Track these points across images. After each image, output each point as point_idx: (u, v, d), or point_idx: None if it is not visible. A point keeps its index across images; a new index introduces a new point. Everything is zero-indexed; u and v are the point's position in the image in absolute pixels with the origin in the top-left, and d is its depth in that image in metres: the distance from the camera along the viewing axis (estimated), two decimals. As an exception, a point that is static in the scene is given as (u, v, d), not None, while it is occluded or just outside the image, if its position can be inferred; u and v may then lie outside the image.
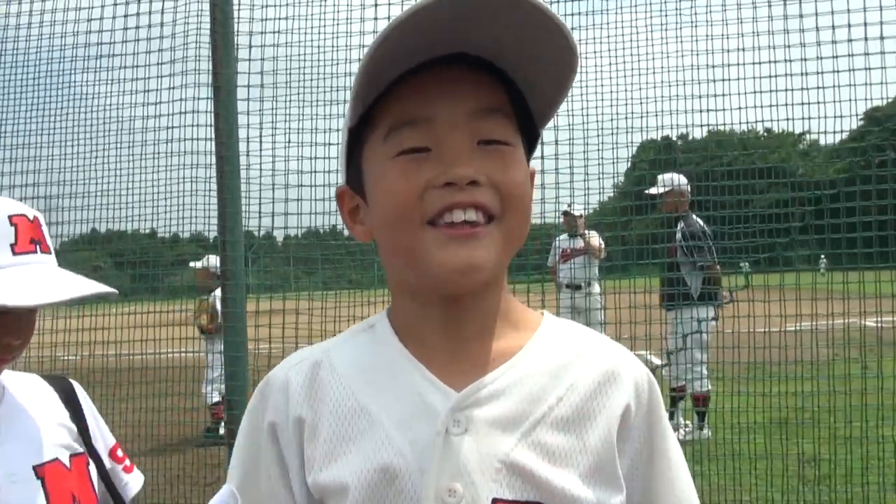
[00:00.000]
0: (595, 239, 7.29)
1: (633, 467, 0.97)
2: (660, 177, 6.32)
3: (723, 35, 4.44)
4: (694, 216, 6.23)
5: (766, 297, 4.44)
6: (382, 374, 0.96)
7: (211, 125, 3.75)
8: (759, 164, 5.31)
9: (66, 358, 4.91)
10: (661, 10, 4.62)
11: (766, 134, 6.15)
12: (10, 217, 1.36)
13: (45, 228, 1.43)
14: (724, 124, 4.64)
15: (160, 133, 4.40)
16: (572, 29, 4.32)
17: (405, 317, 1.00)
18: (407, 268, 0.96)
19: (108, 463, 1.61)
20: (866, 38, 4.09)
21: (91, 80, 4.64)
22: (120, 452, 1.67)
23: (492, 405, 0.90)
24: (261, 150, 4.48)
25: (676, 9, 4.57)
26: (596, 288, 7.34)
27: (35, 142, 4.75)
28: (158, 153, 4.41)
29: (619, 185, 6.76)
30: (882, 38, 4.10)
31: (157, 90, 4.37)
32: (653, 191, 6.19)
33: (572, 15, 4.53)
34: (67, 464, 1.47)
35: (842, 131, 4.40)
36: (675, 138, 5.98)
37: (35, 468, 1.40)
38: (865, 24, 4.10)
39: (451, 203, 0.89)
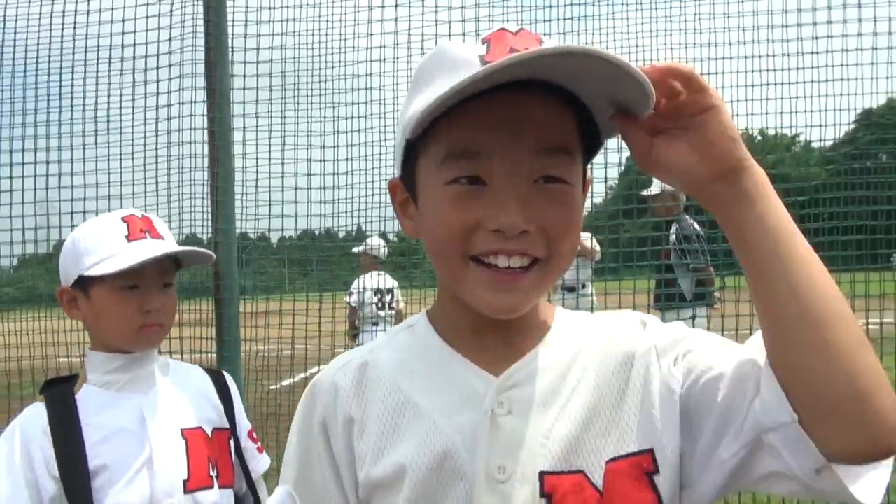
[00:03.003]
0: (588, 241, 7.30)
1: (683, 380, 0.96)
2: (655, 179, 6.34)
3: (712, 42, 4.46)
4: (688, 218, 6.24)
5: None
6: (425, 367, 1.01)
7: (205, 128, 3.75)
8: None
9: (71, 359, 4.90)
10: (651, 15, 4.63)
11: (759, 137, 6.17)
12: (121, 217, 1.76)
13: (157, 222, 1.81)
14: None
15: (155, 136, 4.39)
16: (562, 34, 4.31)
17: (448, 315, 1.04)
18: (451, 286, 1.00)
19: (244, 442, 1.93)
20: (860, 42, 4.13)
21: (85, 82, 4.64)
22: (255, 435, 1.99)
23: (529, 386, 0.95)
24: (257, 151, 4.49)
25: (666, 15, 4.59)
26: (589, 289, 7.36)
27: (29, 146, 4.74)
28: (157, 155, 4.41)
29: (613, 189, 6.78)
30: (875, 45, 4.14)
31: (155, 94, 4.37)
32: (644, 193, 6.21)
33: (564, 20, 4.54)
34: (209, 434, 1.81)
35: (830, 135, 4.42)
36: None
37: (182, 430, 1.76)
38: (860, 25, 4.14)
39: (497, 249, 0.91)
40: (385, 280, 6.91)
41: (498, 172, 0.90)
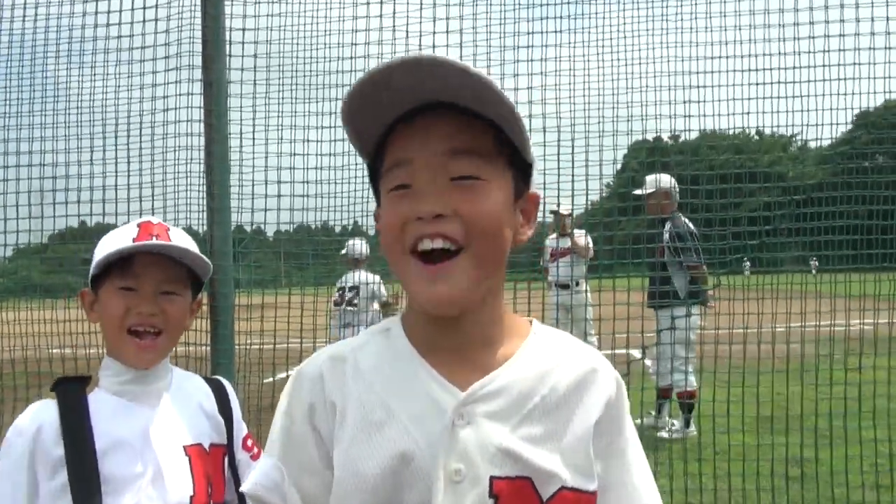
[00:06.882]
0: (582, 238, 7.32)
1: (597, 455, 1.14)
2: (647, 178, 6.36)
3: (710, 42, 4.46)
4: (682, 217, 6.26)
5: (753, 296, 4.47)
6: (399, 374, 1.14)
7: (201, 120, 3.74)
8: (749, 166, 5.34)
9: (64, 350, 4.89)
10: (646, 14, 4.62)
11: (757, 137, 6.17)
12: (138, 223, 1.78)
13: (175, 232, 1.80)
14: (713, 126, 4.66)
15: (151, 127, 4.39)
16: (559, 31, 4.30)
17: (416, 323, 1.18)
18: (405, 289, 1.14)
19: (239, 453, 1.91)
20: (857, 42, 4.14)
21: (80, 73, 4.63)
22: (249, 442, 1.97)
23: (489, 402, 1.09)
24: (253, 144, 4.48)
25: (663, 14, 4.58)
26: (583, 287, 7.37)
27: (23, 136, 4.73)
28: (154, 147, 4.40)
29: (610, 186, 6.78)
30: (872, 46, 4.15)
31: (151, 86, 4.35)
32: (638, 192, 6.23)
33: (562, 18, 4.53)
34: (207, 449, 1.80)
35: (827, 135, 4.43)
36: (666, 139, 6.00)
37: (185, 447, 1.75)
38: (858, 25, 4.14)
39: (420, 234, 1.06)
40: (360, 277, 7.02)
41: (417, 175, 1.08)
